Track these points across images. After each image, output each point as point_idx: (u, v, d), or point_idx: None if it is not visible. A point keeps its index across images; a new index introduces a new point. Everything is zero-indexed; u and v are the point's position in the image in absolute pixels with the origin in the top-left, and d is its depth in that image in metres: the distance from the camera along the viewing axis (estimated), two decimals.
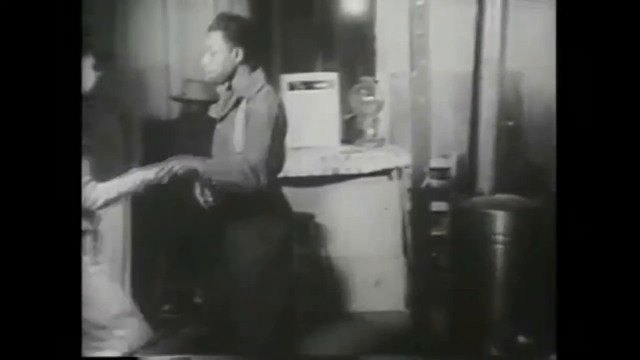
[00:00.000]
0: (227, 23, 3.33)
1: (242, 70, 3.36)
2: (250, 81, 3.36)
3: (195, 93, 4.95)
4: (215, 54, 3.31)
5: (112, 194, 3.20)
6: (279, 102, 3.36)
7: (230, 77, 3.37)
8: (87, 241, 3.23)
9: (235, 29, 3.31)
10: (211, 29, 3.34)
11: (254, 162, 3.18)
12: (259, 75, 3.38)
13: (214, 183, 3.26)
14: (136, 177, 3.25)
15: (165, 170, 3.19)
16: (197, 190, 3.48)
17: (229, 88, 3.43)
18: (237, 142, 3.32)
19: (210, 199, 3.45)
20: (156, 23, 5.85)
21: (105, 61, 4.60)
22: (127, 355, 3.30)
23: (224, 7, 5.89)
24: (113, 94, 4.56)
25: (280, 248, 3.42)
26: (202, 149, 4.49)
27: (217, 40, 3.31)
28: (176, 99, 5.27)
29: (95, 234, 3.31)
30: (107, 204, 3.21)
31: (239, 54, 3.32)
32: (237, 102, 3.38)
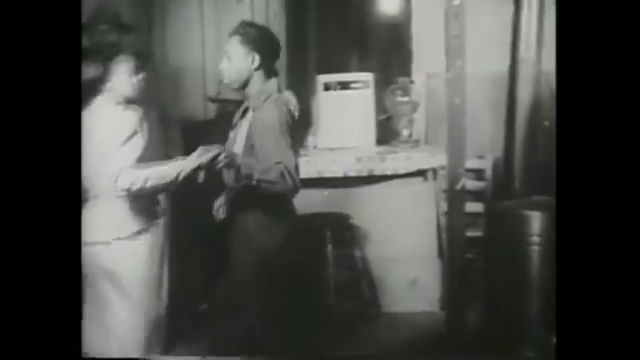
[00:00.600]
0: (246, 29, 3.34)
1: (257, 78, 3.36)
2: (262, 90, 3.36)
3: (231, 93, 4.97)
4: (232, 58, 3.33)
5: (152, 179, 3.23)
6: (287, 108, 3.34)
7: (246, 83, 3.37)
8: None
9: (253, 36, 3.32)
10: (231, 34, 3.35)
11: (290, 165, 3.19)
12: (273, 84, 3.37)
13: (254, 181, 3.25)
14: (177, 166, 3.27)
15: (210, 155, 3.18)
16: (216, 205, 3.49)
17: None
18: (237, 149, 3.34)
19: (223, 214, 3.46)
20: (193, 23, 5.90)
21: (144, 62, 4.67)
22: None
23: (260, 8, 5.92)
24: (152, 94, 4.60)
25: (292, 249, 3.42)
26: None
27: (234, 45, 3.32)
28: (212, 100, 5.30)
29: None
30: (144, 188, 3.23)
31: (255, 60, 3.33)
32: (245, 112, 3.40)
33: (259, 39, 3.34)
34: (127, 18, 4.65)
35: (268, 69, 3.37)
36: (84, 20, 4.54)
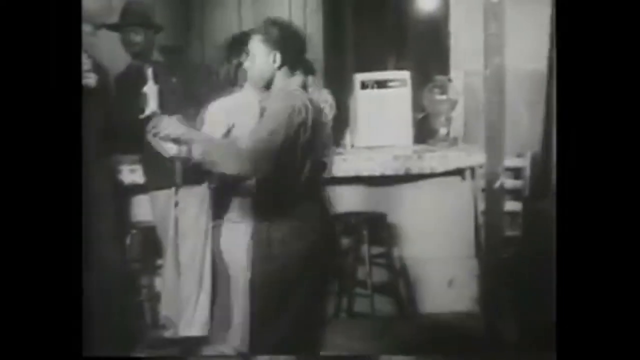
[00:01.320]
0: (268, 28, 3.30)
1: (280, 76, 3.32)
2: (284, 87, 3.28)
3: None
4: (254, 58, 3.30)
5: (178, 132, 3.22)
6: (302, 104, 3.28)
7: (269, 83, 3.33)
8: None
9: (275, 34, 3.28)
10: (253, 33, 3.33)
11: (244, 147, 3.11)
12: (295, 80, 3.31)
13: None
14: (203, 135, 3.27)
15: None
16: None
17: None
18: None
19: None
20: (231, 19, 5.94)
21: (176, 61, 4.70)
22: None
23: (298, 6, 5.94)
24: (187, 90, 4.62)
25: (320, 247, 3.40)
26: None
27: (256, 44, 3.30)
28: None
29: None
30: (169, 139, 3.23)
31: (276, 59, 3.29)
32: (262, 112, 3.36)
33: (280, 37, 3.29)
34: (158, 17, 4.69)
35: (292, 67, 3.33)
36: (115, 20, 4.59)
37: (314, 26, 6.19)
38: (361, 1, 7.11)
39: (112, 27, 4.60)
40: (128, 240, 4.89)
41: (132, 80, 4.47)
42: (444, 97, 5.53)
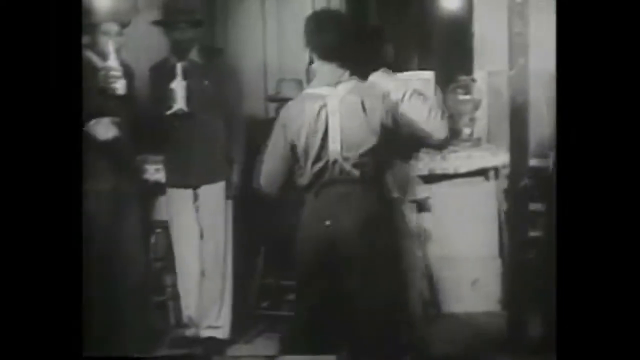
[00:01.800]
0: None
1: (323, 70, 3.37)
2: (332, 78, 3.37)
3: (290, 92, 4.96)
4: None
5: None
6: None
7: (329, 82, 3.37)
8: None
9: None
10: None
11: None
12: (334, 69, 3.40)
13: None
14: None
15: None
16: None
17: None
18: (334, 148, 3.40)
19: None
20: (255, 21, 5.94)
21: (212, 58, 4.71)
22: None
23: (321, 4, 5.93)
24: (214, 93, 4.64)
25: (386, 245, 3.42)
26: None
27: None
28: (271, 99, 5.33)
29: None
30: None
31: (308, 57, 3.36)
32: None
33: (306, 33, 3.38)
34: (199, 14, 4.71)
35: (327, 56, 3.38)
36: (161, 17, 4.60)
37: None
38: (385, 1, 7.10)
39: (158, 23, 4.62)
40: (153, 239, 4.92)
41: (165, 77, 4.49)
42: (467, 97, 5.52)
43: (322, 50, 3.34)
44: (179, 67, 4.45)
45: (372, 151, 3.30)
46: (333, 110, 3.30)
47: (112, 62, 4.14)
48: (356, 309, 3.30)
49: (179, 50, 4.56)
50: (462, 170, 5.16)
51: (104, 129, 4.07)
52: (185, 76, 4.45)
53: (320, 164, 3.33)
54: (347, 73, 3.35)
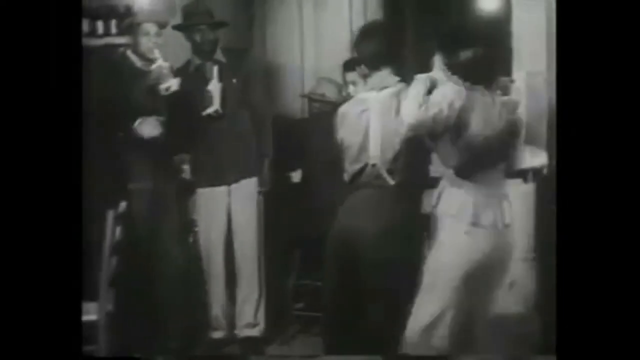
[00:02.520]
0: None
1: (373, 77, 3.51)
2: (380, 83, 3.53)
3: (328, 92, 4.97)
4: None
5: None
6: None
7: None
8: None
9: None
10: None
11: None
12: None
13: None
14: None
15: None
16: None
17: None
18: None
19: None
20: (292, 21, 5.96)
21: (237, 58, 4.74)
22: None
23: (358, 6, 5.93)
24: (247, 91, 4.66)
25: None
26: (333, 147, 4.54)
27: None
28: (309, 98, 5.34)
29: None
30: None
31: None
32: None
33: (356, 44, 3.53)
34: (219, 15, 4.73)
35: (374, 65, 3.45)
36: (182, 21, 4.64)
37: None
38: (422, 1, 7.07)
39: (178, 27, 4.65)
40: (191, 239, 4.94)
41: (192, 78, 4.52)
42: (505, 98, 5.47)
43: (370, 59, 3.53)
44: (215, 69, 4.49)
45: (404, 156, 3.33)
46: (374, 114, 3.36)
47: (161, 61, 4.20)
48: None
49: (201, 52, 4.59)
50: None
51: (150, 127, 4.12)
52: (221, 77, 4.49)
53: (358, 166, 3.38)
54: (396, 79, 3.42)
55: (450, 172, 3.33)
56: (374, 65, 3.51)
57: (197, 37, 4.57)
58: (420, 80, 3.38)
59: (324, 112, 4.98)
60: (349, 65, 5.20)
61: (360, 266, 3.39)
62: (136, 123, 4.11)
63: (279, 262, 4.91)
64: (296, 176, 5.04)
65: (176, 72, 4.70)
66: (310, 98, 5.22)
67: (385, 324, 3.39)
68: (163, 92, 4.21)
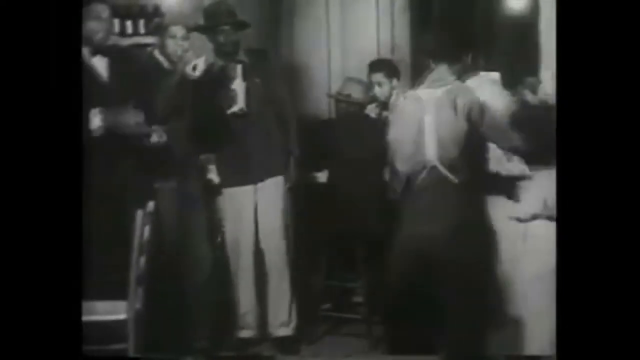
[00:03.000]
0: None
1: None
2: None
3: (355, 92, 4.95)
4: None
5: None
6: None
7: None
8: None
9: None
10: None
11: None
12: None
13: None
14: None
15: None
16: None
17: None
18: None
19: None
20: (319, 20, 5.96)
21: (259, 58, 4.75)
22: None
23: (385, 6, 5.93)
24: (272, 91, 4.67)
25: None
26: (359, 148, 4.54)
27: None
28: (336, 98, 5.34)
29: None
30: None
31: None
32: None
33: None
34: (244, 15, 4.73)
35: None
36: (204, 22, 4.64)
37: (401, 26, 6.17)
38: (450, 1, 7.06)
39: (200, 29, 4.67)
40: (219, 238, 4.95)
41: (215, 78, 4.53)
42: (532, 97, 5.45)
43: (430, 55, 3.59)
44: (239, 68, 4.50)
45: (464, 153, 3.32)
46: (430, 111, 3.37)
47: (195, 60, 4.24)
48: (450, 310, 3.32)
49: (224, 53, 4.59)
50: (528, 172, 5.09)
51: (129, 116, 4.02)
52: (245, 77, 4.50)
53: (416, 168, 3.38)
54: (452, 76, 3.43)
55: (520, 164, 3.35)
56: (436, 60, 3.52)
57: (220, 38, 4.57)
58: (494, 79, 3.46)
59: (350, 112, 4.98)
60: (374, 66, 5.20)
61: (433, 269, 3.35)
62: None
63: (306, 263, 4.90)
64: (322, 176, 5.03)
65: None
66: (337, 99, 5.21)
67: (464, 324, 3.37)
68: (191, 73, 4.20)
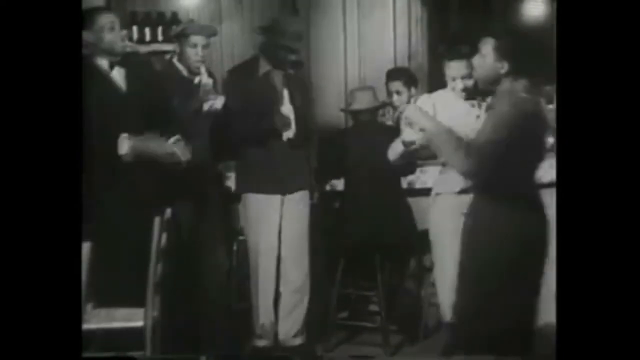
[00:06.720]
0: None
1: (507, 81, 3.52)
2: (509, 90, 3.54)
3: (362, 102, 4.89)
4: (484, 58, 3.47)
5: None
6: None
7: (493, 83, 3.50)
8: None
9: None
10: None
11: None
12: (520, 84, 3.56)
13: None
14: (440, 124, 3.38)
15: None
16: None
17: None
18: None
19: None
20: (336, 33, 5.98)
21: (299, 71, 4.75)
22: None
23: (403, 13, 5.94)
24: (303, 105, 4.65)
25: None
26: (376, 155, 4.53)
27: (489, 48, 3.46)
28: (346, 111, 5.32)
29: None
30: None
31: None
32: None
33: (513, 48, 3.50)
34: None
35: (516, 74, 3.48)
36: (273, 35, 4.60)
37: (418, 33, 6.18)
38: (466, 6, 7.06)
39: (266, 40, 4.59)
40: (235, 246, 4.95)
41: (261, 85, 4.52)
42: (551, 106, 5.43)
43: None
44: (286, 92, 4.50)
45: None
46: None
47: (205, 77, 4.24)
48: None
49: (277, 65, 4.54)
50: (545, 180, 5.08)
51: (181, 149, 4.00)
52: (292, 100, 4.51)
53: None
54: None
55: None
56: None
57: (281, 54, 4.51)
58: None
59: (364, 121, 4.91)
60: (392, 75, 5.19)
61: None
62: (172, 140, 3.98)
63: (323, 271, 4.90)
64: (339, 184, 5.02)
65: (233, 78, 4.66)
66: (347, 111, 5.15)
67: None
68: (206, 109, 4.22)
